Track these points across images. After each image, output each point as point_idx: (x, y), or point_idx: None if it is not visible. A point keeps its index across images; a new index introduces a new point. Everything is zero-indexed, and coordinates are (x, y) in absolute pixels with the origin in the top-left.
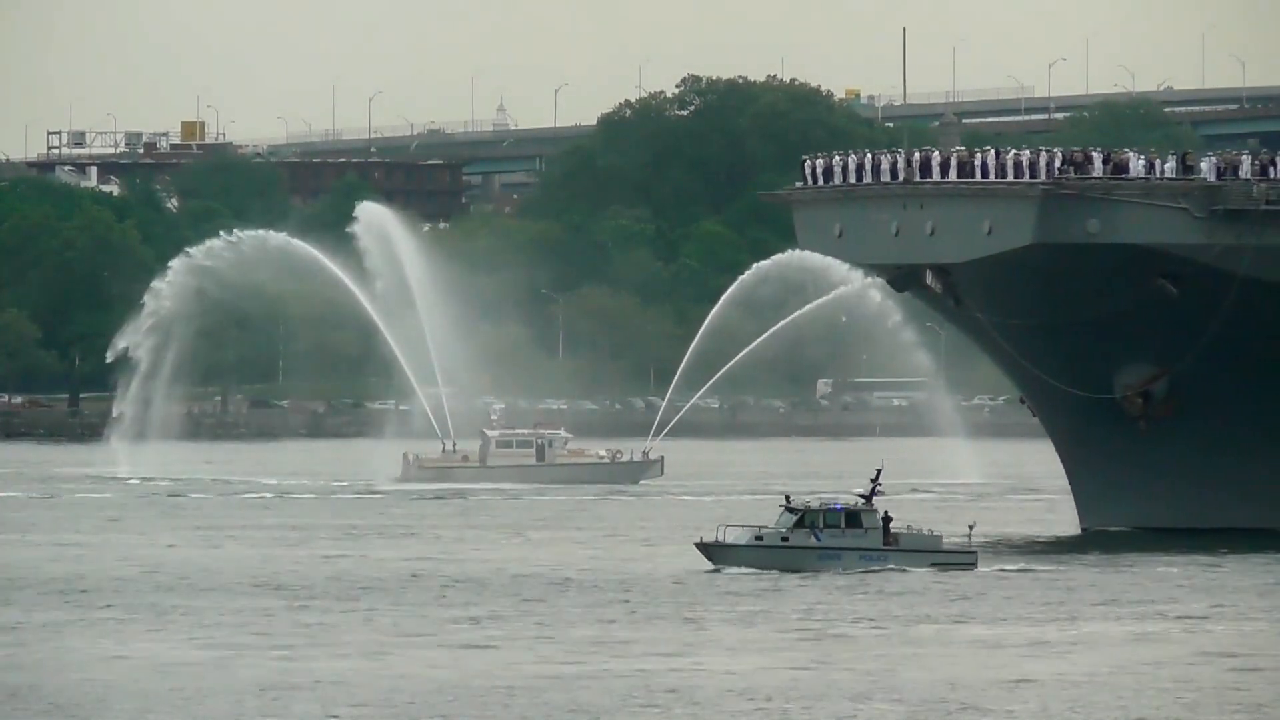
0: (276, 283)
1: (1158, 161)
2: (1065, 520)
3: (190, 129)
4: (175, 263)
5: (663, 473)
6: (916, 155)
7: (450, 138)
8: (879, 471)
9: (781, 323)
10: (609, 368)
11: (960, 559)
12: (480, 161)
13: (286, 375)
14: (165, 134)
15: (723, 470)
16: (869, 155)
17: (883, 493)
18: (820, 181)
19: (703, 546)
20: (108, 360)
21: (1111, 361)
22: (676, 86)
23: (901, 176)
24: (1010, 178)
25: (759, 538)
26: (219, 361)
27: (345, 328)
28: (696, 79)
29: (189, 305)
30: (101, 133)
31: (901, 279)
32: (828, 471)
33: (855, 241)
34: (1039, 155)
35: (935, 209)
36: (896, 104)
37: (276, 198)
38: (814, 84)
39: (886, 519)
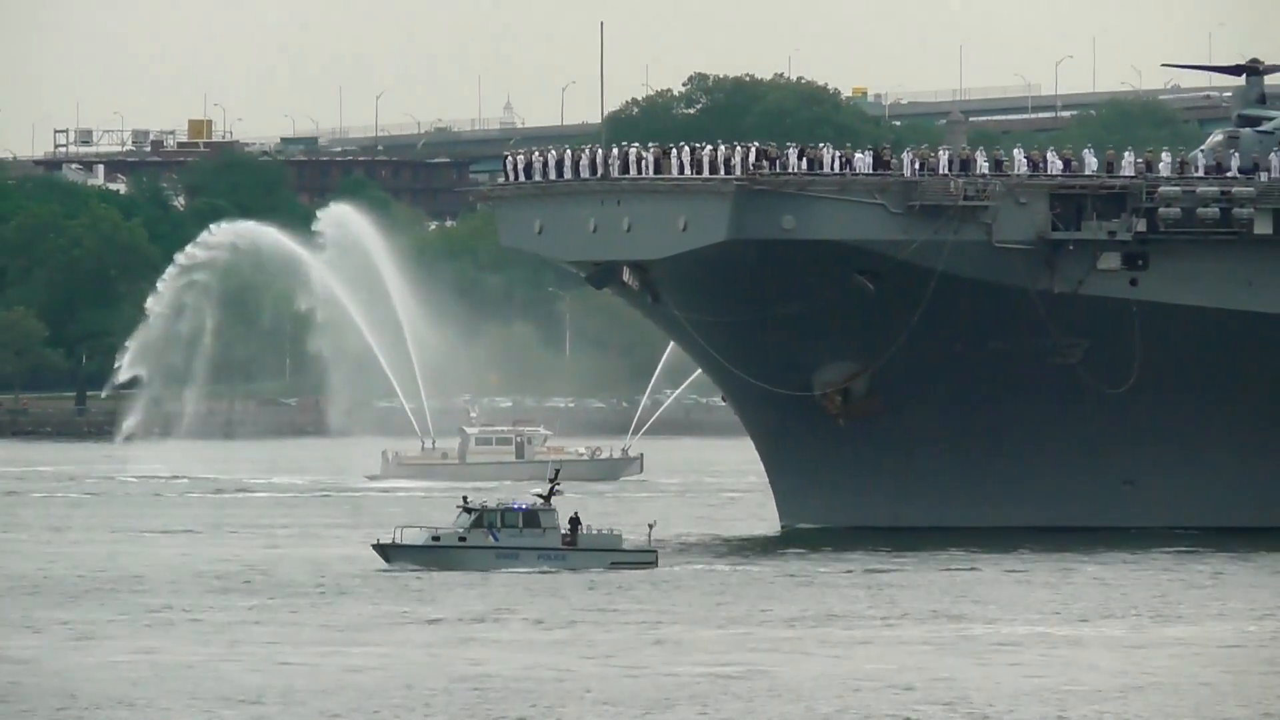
0: (279, 280)
1: (856, 156)
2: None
3: (197, 127)
4: (178, 256)
5: (642, 470)
6: (615, 151)
7: (457, 136)
8: (557, 472)
9: None
10: (616, 366)
11: (640, 558)
12: (487, 159)
13: (294, 373)
14: (172, 132)
15: (705, 467)
16: (568, 151)
17: (560, 493)
18: (521, 177)
19: (379, 547)
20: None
21: (810, 359)
22: (683, 85)
23: (600, 173)
24: (706, 173)
25: (436, 538)
26: (226, 359)
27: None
28: (703, 77)
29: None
30: (108, 131)
31: (600, 275)
32: None
33: (554, 238)
34: (734, 150)
35: (632, 205)
36: (904, 102)
37: (283, 196)
38: (821, 82)
39: (575, 519)
